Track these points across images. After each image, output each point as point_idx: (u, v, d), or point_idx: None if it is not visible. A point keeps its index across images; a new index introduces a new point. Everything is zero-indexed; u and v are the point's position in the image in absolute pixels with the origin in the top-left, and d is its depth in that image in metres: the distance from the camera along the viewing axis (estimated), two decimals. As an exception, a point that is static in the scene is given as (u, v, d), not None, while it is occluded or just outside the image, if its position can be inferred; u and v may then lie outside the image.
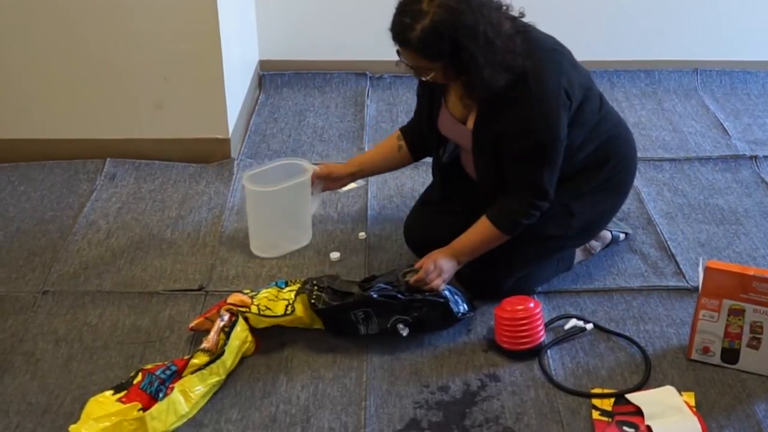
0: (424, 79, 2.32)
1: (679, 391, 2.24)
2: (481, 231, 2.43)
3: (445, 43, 2.16)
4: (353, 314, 2.33)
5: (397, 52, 2.29)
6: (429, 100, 2.53)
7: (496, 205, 2.42)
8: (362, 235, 2.86)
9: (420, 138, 2.65)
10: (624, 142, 2.58)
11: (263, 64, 4.04)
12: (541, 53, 2.30)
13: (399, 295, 2.34)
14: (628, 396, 2.22)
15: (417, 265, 2.41)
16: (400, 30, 2.20)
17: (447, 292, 2.40)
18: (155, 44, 3.15)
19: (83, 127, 3.30)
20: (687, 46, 4.10)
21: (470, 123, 2.41)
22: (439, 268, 2.39)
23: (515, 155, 2.34)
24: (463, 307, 2.41)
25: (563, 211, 2.45)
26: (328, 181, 2.74)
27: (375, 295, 2.32)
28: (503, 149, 2.35)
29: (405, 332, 2.33)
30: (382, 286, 2.36)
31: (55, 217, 2.97)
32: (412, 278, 2.37)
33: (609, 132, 2.48)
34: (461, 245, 2.45)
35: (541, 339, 2.36)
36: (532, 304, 2.36)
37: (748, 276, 2.21)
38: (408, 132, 2.70)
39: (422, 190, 2.85)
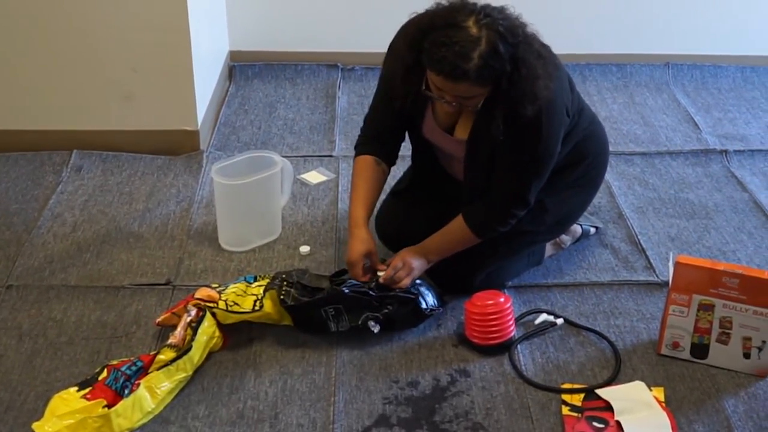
0: (470, 108, 2.22)
1: (649, 386, 2.24)
2: (454, 232, 2.41)
3: (506, 62, 2.07)
4: (323, 311, 2.30)
5: (425, 91, 2.19)
6: (411, 107, 2.39)
7: (475, 209, 2.39)
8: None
9: (390, 148, 2.53)
10: (598, 139, 2.58)
11: (233, 55, 4.00)
12: (553, 70, 2.24)
13: (370, 292, 2.32)
14: (598, 391, 2.21)
15: (386, 264, 2.39)
16: (454, 64, 2.04)
17: (418, 288, 2.38)
18: (124, 35, 3.10)
19: (50, 118, 3.25)
20: (658, 40, 4.11)
21: (460, 132, 2.37)
22: (408, 266, 2.37)
23: (509, 166, 2.31)
24: (432, 302, 2.39)
25: (536, 207, 2.43)
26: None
27: (347, 291, 2.30)
28: (497, 158, 2.31)
29: (376, 329, 2.32)
30: (353, 282, 2.34)
31: (20, 210, 2.92)
32: (381, 276, 2.35)
33: (585, 131, 2.47)
34: (432, 245, 2.43)
35: (512, 334, 2.35)
36: (502, 299, 2.35)
37: (717, 271, 2.21)
38: (380, 151, 2.50)
39: (393, 183, 2.82)
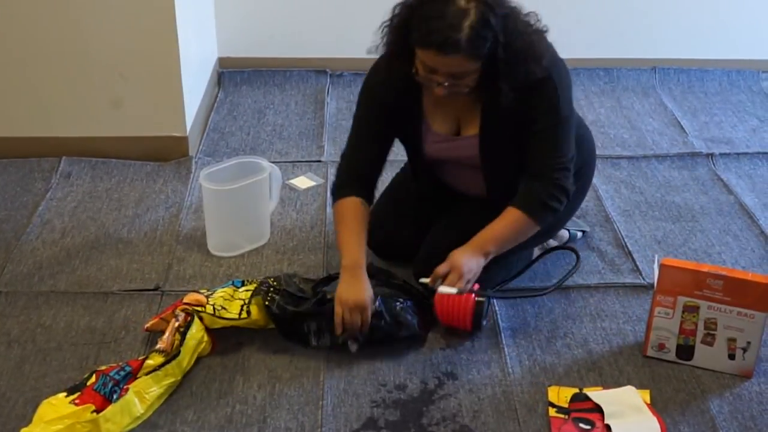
0: (464, 91, 2.18)
1: (636, 388, 2.25)
2: (508, 222, 2.31)
3: (498, 32, 2.07)
4: (306, 326, 2.31)
5: (415, 72, 2.16)
6: (408, 130, 2.39)
7: (520, 195, 2.33)
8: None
9: (372, 189, 2.46)
10: (588, 143, 2.58)
11: (222, 62, 4.01)
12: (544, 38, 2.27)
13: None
14: (590, 394, 2.22)
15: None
16: (445, 35, 2.04)
17: (398, 314, 2.35)
18: (112, 41, 3.11)
19: (38, 124, 3.26)
20: (645, 44, 4.13)
21: (470, 130, 2.34)
22: (458, 268, 2.25)
23: (539, 136, 2.28)
24: (412, 329, 2.36)
25: None
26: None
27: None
28: (523, 134, 2.28)
29: (354, 348, 2.31)
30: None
31: (9, 217, 2.92)
32: (427, 281, 2.30)
33: (575, 134, 2.46)
34: (486, 237, 2.31)
35: (473, 295, 2.34)
36: None
37: (702, 273, 2.22)
38: (364, 194, 2.42)
39: (382, 188, 2.81)
